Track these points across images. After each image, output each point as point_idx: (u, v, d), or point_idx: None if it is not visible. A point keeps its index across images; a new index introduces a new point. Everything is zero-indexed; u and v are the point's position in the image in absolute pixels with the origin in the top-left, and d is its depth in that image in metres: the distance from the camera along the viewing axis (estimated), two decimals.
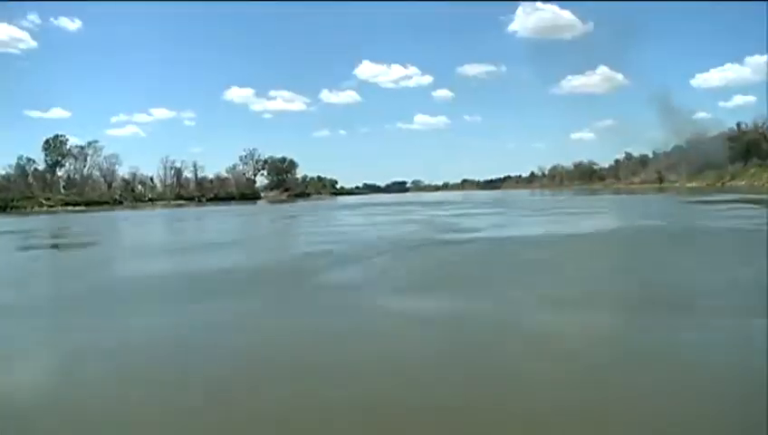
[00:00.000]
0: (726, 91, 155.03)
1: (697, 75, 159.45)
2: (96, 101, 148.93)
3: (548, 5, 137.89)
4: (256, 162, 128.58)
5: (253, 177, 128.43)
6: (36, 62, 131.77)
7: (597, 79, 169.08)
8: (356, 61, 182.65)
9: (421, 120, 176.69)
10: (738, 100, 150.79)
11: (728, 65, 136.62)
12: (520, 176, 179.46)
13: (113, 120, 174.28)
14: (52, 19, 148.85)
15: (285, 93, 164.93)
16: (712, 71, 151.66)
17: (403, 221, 25.03)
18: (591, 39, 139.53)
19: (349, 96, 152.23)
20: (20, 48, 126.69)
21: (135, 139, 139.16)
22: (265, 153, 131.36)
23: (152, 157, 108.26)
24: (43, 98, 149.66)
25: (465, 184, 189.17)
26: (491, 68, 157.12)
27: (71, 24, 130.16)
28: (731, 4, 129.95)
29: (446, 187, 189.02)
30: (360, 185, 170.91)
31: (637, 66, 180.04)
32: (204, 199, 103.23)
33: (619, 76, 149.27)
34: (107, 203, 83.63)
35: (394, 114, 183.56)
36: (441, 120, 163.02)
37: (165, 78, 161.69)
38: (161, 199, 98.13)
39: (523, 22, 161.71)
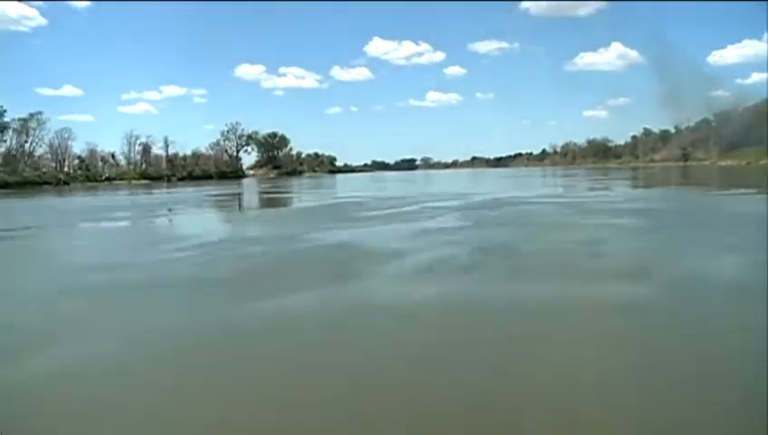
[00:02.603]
0: (744, 68, 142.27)
1: (714, 52, 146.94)
2: (107, 79, 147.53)
3: None
4: (239, 138, 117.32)
5: (236, 153, 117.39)
6: (46, 40, 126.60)
7: (611, 56, 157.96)
8: (366, 37, 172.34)
9: (433, 97, 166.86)
10: (756, 77, 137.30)
11: (746, 41, 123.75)
12: (531, 153, 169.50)
13: (124, 97, 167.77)
14: None
15: (296, 70, 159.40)
16: (729, 47, 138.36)
17: None
18: (605, 16, 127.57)
19: (360, 73, 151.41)
20: (29, 26, 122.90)
21: (147, 116, 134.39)
22: (278, 130, 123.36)
23: (162, 135, 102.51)
24: (54, 75, 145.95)
25: (475, 162, 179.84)
26: (503, 45, 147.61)
27: (80, 2, 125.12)
28: None
29: (455, 164, 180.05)
30: (369, 162, 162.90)
31: (652, 43, 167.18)
32: (174, 179, 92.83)
33: (634, 53, 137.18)
34: (48, 183, 73.01)
35: (406, 91, 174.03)
36: (453, 97, 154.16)
37: (175, 55, 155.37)
38: (122, 179, 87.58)
39: None
